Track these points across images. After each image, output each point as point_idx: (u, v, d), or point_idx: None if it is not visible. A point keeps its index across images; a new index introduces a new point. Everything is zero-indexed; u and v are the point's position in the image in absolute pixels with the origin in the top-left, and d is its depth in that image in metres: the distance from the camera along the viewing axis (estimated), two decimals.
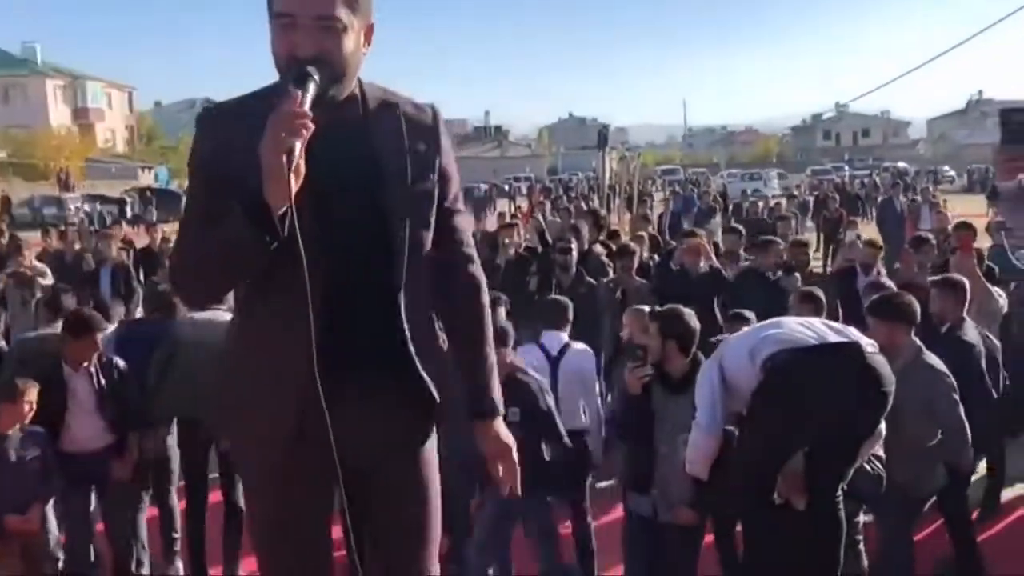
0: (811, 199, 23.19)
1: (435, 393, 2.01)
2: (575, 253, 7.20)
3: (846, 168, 56.70)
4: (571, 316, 5.15)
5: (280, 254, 1.72)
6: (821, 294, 5.38)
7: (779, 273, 6.92)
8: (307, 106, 1.67)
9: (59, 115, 60.48)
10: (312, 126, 1.65)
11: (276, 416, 1.92)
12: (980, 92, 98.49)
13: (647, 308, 4.81)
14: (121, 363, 4.81)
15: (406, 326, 1.96)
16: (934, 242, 6.59)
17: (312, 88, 1.72)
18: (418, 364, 1.98)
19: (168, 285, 4.86)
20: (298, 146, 1.63)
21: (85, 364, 4.60)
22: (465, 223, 2.17)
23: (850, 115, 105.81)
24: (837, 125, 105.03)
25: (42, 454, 4.36)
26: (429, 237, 2.01)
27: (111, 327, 5.48)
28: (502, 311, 5.28)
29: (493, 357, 2.16)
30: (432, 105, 2.09)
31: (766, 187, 39.57)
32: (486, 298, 2.16)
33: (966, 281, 4.87)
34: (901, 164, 56.52)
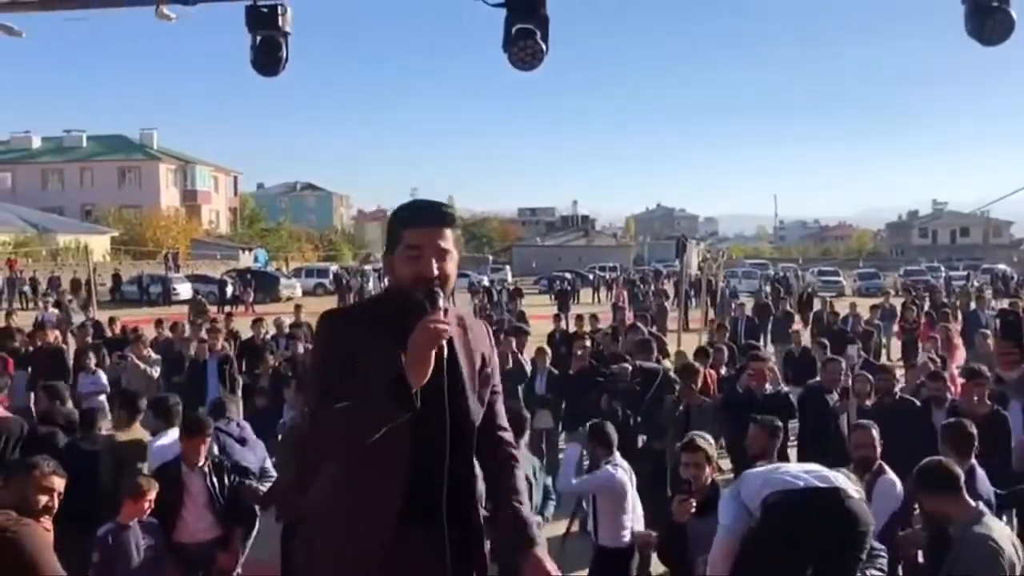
0: (899, 304, 22.88)
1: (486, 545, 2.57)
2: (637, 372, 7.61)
3: (942, 269, 55.47)
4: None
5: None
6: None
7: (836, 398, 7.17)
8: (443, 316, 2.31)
9: (169, 197, 64.17)
10: (450, 333, 2.32)
11: (366, 548, 2.41)
12: None
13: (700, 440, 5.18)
14: (228, 463, 5.42)
15: (472, 492, 2.54)
16: (988, 373, 6.71)
17: (441, 302, 2.35)
18: (480, 522, 2.55)
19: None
20: (443, 345, 2.29)
21: (199, 463, 5.20)
22: (502, 406, 2.75)
23: (948, 213, 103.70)
24: (934, 223, 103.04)
25: (155, 544, 4.93)
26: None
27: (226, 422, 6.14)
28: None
29: (528, 506, 2.67)
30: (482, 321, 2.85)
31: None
32: (519, 469, 2.71)
33: None
34: (1001, 267, 54.78)
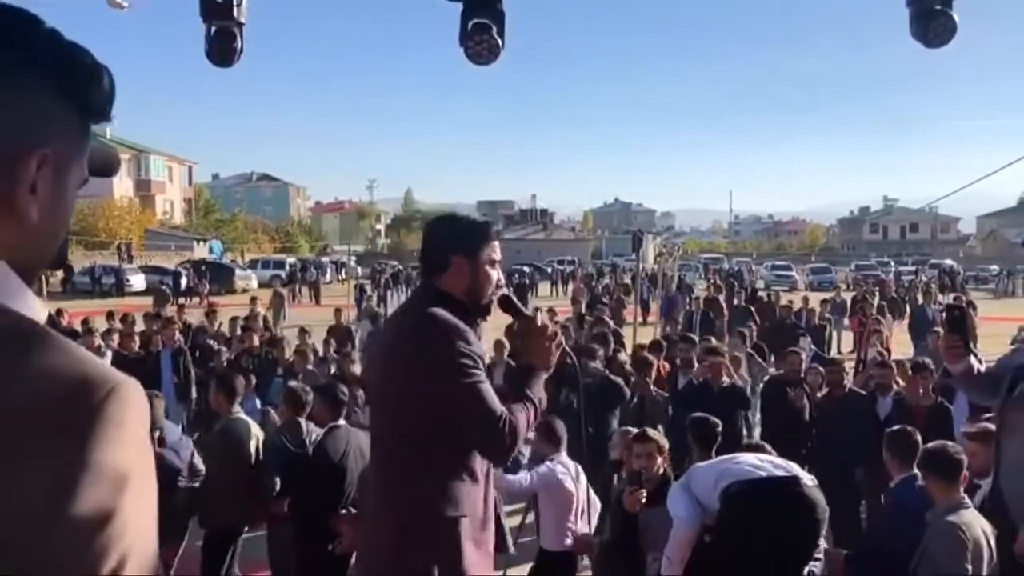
0: (849, 298, 23.28)
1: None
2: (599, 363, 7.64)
3: (892, 264, 56.56)
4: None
5: None
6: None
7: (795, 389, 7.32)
8: None
9: (122, 187, 62.99)
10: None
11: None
12: None
13: (633, 430, 5.24)
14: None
15: None
16: (933, 367, 6.91)
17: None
18: None
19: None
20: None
21: None
22: None
23: (898, 209, 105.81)
24: (885, 219, 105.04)
25: None
26: None
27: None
28: None
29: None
30: None
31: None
32: None
33: None
34: (948, 262, 56.05)
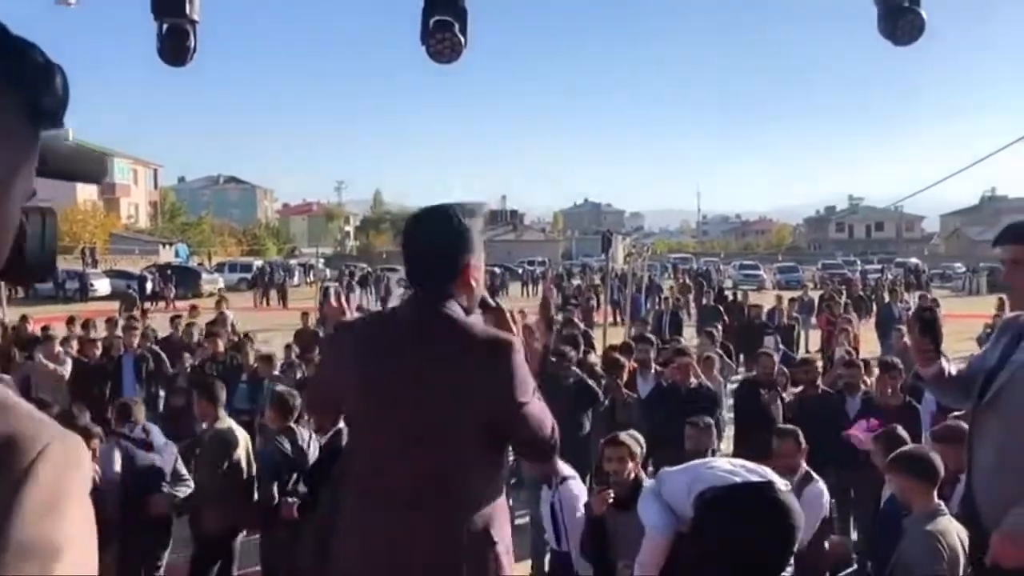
0: (817, 297, 23.43)
1: None
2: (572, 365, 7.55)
3: (858, 262, 57.19)
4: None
5: None
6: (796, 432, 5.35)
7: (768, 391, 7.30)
8: None
9: (86, 191, 62.06)
10: None
11: None
12: (993, 189, 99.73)
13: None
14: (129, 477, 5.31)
15: None
16: (901, 366, 6.90)
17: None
18: None
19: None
20: None
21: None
22: None
23: (864, 208, 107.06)
24: (851, 218, 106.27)
25: None
26: None
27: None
28: None
29: None
30: None
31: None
32: None
33: None
34: (913, 260, 56.79)
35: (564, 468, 5.14)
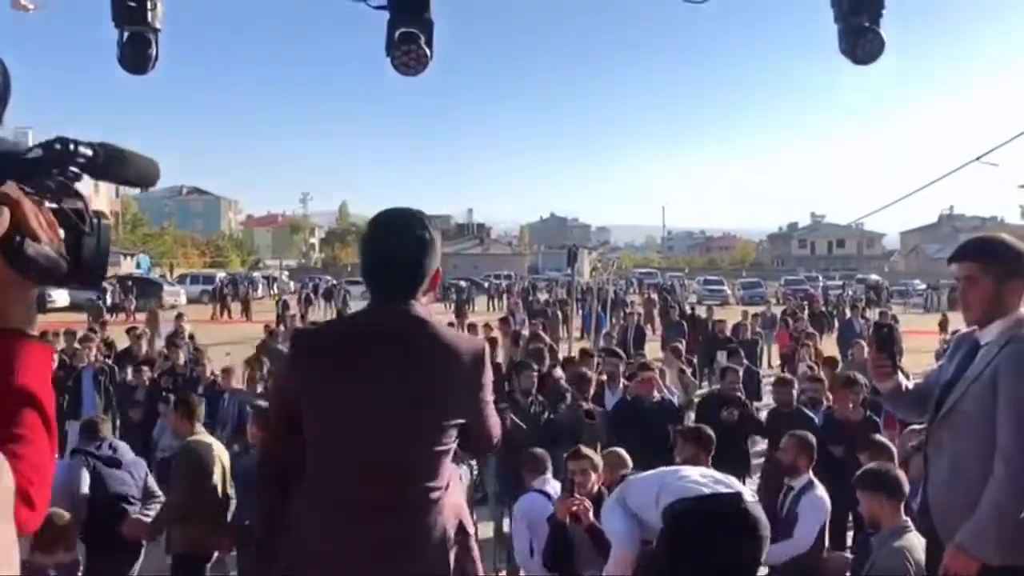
0: (779, 312, 23.68)
1: None
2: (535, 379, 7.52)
3: (820, 278, 57.93)
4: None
5: None
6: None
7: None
8: None
9: None
10: None
11: None
12: (951, 207, 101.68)
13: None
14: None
15: None
16: (864, 381, 6.95)
17: None
18: None
19: None
20: None
21: None
22: None
23: (825, 225, 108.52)
24: (813, 235, 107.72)
25: None
26: None
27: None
28: None
29: None
30: None
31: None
32: None
33: None
34: (874, 277, 57.66)
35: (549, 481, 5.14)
